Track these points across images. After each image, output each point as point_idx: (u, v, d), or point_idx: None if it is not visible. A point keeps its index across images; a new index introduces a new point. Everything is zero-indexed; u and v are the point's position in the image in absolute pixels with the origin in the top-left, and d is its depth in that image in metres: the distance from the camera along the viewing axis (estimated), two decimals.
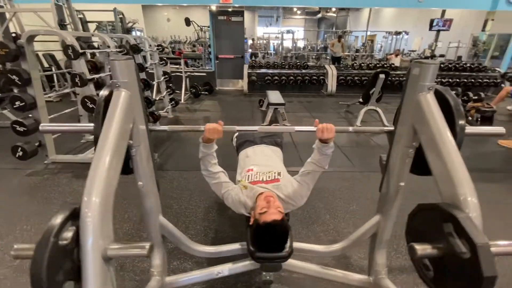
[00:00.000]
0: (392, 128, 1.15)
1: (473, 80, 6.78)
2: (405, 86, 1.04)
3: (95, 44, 3.58)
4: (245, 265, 1.39)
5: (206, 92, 6.66)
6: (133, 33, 9.45)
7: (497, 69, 7.05)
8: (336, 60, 8.68)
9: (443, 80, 6.71)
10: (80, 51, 2.43)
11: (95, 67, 3.42)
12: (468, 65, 6.92)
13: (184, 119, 4.74)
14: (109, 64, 0.95)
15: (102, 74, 3.31)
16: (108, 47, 3.03)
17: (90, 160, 0.80)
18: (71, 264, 0.71)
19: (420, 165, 1.09)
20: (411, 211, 0.90)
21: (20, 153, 2.52)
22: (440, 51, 12.22)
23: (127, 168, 1.07)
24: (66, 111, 3.20)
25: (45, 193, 2.36)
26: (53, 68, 5.94)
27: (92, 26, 7.54)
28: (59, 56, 5.76)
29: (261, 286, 1.50)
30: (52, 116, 2.88)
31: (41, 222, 1.97)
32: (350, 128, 1.18)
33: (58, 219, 0.69)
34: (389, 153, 1.16)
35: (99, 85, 3.60)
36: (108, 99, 0.94)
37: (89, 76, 2.58)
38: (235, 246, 1.41)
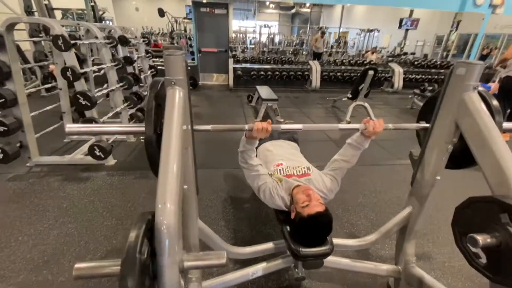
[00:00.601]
0: (427, 125, 1.20)
1: (442, 76, 7.34)
2: (446, 85, 1.09)
3: (76, 35, 3.27)
4: (277, 263, 1.39)
5: (190, 87, 6.44)
6: (104, 23, 8.81)
7: None
8: (317, 55, 8.86)
9: (416, 76, 7.17)
10: (72, 41, 2.21)
11: (78, 59, 3.14)
12: (439, 62, 7.46)
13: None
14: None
15: (87, 69, 3.06)
16: (96, 37, 2.79)
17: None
18: (148, 281, 0.66)
19: (452, 160, 1.17)
20: (460, 204, 0.95)
21: (0, 156, 2.25)
22: (408, 49, 13.05)
23: None
24: (48, 108, 2.90)
25: (35, 199, 2.14)
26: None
27: (57, 14, 6.91)
28: (25, 46, 5.18)
29: (293, 283, 1.51)
30: (33, 113, 2.59)
31: (38, 233, 1.78)
32: (390, 125, 1.21)
33: (137, 232, 0.64)
34: (423, 149, 1.22)
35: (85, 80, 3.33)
36: (158, 97, 0.87)
37: (81, 70, 2.35)
38: (269, 246, 1.40)
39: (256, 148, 1.91)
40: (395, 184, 2.55)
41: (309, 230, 1.16)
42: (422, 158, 1.23)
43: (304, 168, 1.46)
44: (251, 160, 1.31)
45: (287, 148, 1.76)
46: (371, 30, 13.28)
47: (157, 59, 6.30)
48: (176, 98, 0.85)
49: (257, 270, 1.37)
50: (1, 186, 2.30)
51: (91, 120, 2.45)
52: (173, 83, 0.85)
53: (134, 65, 3.55)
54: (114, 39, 3.03)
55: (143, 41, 4.02)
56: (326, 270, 1.57)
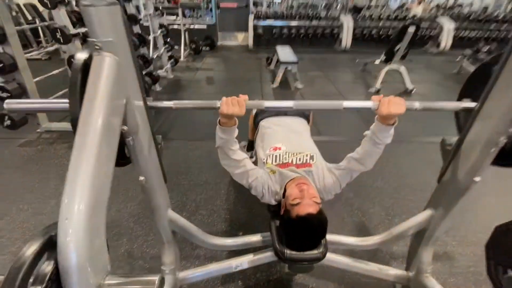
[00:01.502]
0: (472, 105, 0.86)
1: (504, 34, 6.08)
2: (510, 51, 0.72)
3: None
4: (266, 256, 1.22)
5: (208, 48, 6.08)
6: None
7: None
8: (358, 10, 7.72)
9: (471, 34, 6.02)
10: None
11: (81, 19, 2.95)
12: (502, 15, 6.14)
13: (186, 80, 4.34)
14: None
15: (82, 30, 2.86)
16: None
17: None
18: None
19: (504, 155, 0.84)
20: (503, 225, 0.67)
21: (8, 122, 2.25)
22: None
23: (122, 157, 0.82)
24: (54, 72, 2.84)
25: (41, 166, 2.17)
26: (36, 21, 5.30)
27: None
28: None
29: (283, 276, 1.37)
30: (38, 78, 2.53)
31: (38, 201, 1.80)
32: (417, 104, 0.87)
33: (29, 252, 0.48)
34: (463, 137, 0.89)
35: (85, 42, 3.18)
36: (88, 66, 0.65)
37: (73, 31, 2.17)
38: (256, 238, 1.24)
39: (256, 121, 1.69)
40: (423, 167, 2.20)
41: (297, 233, 0.96)
42: (459, 150, 0.91)
43: (306, 156, 1.20)
44: (234, 154, 1.03)
45: (292, 126, 1.49)
46: None
47: (174, 16, 5.94)
48: (104, 67, 0.62)
49: (242, 262, 1.22)
50: (13, 151, 2.35)
51: None
52: (97, 47, 0.62)
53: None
54: None
55: None
56: (323, 265, 1.41)
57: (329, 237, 1.21)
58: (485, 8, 9.64)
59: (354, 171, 1.10)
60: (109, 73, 0.62)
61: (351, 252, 1.33)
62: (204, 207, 1.78)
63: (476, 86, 0.93)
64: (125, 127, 0.73)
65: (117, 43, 0.64)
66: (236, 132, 1.00)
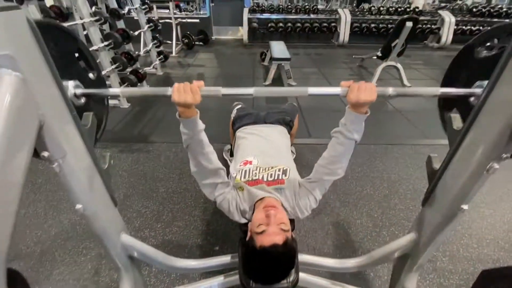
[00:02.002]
0: (453, 90, 0.74)
1: None
2: (506, 59, 0.60)
3: None
4: (236, 279, 1.12)
5: (201, 43, 5.91)
6: None
7: None
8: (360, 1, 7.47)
9: (472, 28, 5.82)
10: None
11: (60, 14, 2.81)
12: (505, 9, 5.92)
13: (176, 76, 4.20)
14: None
15: (71, 23, 2.73)
16: None
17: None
18: None
19: None
20: (490, 270, 0.57)
21: None
22: None
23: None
24: None
25: None
26: None
27: None
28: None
29: None
30: None
31: None
32: (390, 90, 0.76)
33: None
34: (450, 159, 0.77)
35: None
36: None
37: None
38: (225, 259, 1.12)
39: (234, 129, 1.58)
40: (414, 172, 2.09)
41: (260, 266, 0.85)
42: (446, 172, 0.80)
43: (279, 171, 1.10)
44: (204, 159, 0.93)
45: (269, 136, 1.37)
46: None
47: (166, 10, 5.75)
48: (0, 88, 0.50)
49: (212, 285, 1.13)
50: None
51: None
52: None
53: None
54: None
55: None
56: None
57: (305, 258, 1.11)
58: (489, 0, 9.39)
59: (326, 181, 0.99)
60: (5, 93, 0.50)
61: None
62: (181, 218, 1.68)
63: (460, 72, 0.87)
64: (45, 153, 0.62)
65: (19, 57, 0.52)
66: (200, 124, 0.88)
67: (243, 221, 1.06)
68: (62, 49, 0.72)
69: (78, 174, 0.71)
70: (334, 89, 0.81)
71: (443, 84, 0.92)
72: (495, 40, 0.78)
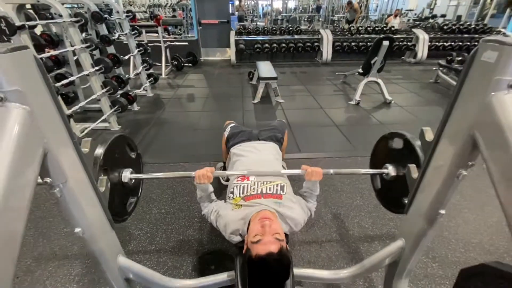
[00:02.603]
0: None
1: (476, 44, 6.35)
2: (463, 78, 0.69)
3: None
4: None
5: (190, 64, 6.06)
6: None
7: (502, 30, 6.58)
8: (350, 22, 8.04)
9: (445, 44, 6.25)
10: (18, 24, 1.91)
11: (51, 41, 2.87)
12: (473, 26, 6.42)
13: (166, 97, 4.26)
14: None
15: (62, 50, 2.79)
16: (60, 16, 2.46)
17: None
18: None
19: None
20: (468, 268, 0.62)
21: None
22: (439, 10, 11.46)
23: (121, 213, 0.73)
24: None
25: None
26: None
27: None
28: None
29: None
30: None
31: None
32: (331, 171, 1.21)
33: None
34: (425, 169, 0.85)
35: (59, 63, 3.09)
36: None
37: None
38: (222, 277, 1.14)
39: (228, 147, 1.63)
40: None
41: (257, 275, 0.88)
42: (422, 181, 0.87)
43: (277, 185, 1.17)
44: (211, 200, 1.24)
45: (264, 153, 1.44)
46: None
47: (155, 34, 5.92)
48: (9, 119, 0.54)
49: None
50: None
51: None
52: (1, 97, 0.54)
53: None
54: (83, 17, 2.68)
55: (127, 16, 3.63)
56: None
57: (299, 271, 1.14)
58: (459, 17, 10.13)
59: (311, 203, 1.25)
60: (14, 125, 0.54)
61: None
62: (175, 239, 1.68)
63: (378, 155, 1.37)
64: (48, 179, 0.66)
65: (27, 92, 0.57)
66: (211, 189, 1.20)
67: (238, 239, 1.09)
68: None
69: (78, 198, 0.74)
70: (297, 171, 1.19)
71: (371, 158, 1.44)
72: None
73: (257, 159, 1.38)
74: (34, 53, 0.61)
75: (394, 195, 1.15)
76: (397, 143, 1.18)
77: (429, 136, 0.84)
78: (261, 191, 1.14)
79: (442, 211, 0.82)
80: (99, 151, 0.93)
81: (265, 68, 4.18)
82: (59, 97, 2.37)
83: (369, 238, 1.68)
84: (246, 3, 14.06)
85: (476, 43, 6.33)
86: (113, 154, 1.00)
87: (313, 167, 1.18)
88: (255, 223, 0.99)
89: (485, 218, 1.82)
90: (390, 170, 1.14)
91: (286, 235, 1.15)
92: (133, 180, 1.11)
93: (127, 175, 1.07)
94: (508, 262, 1.50)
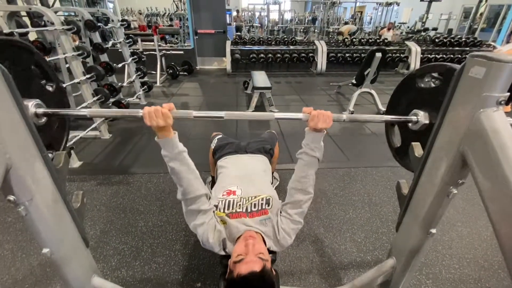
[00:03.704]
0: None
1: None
2: (451, 93, 0.67)
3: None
4: None
5: (185, 73, 6.06)
6: (105, 4, 8.42)
7: (492, 43, 6.74)
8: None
9: (436, 56, 6.37)
10: (6, 31, 1.88)
11: (43, 49, 2.84)
12: (463, 39, 6.57)
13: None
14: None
15: (53, 58, 2.75)
16: (52, 24, 2.44)
17: None
18: None
19: None
20: None
21: None
22: (431, 24, 11.78)
23: None
24: None
25: None
26: None
27: None
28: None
29: None
30: None
31: None
32: (344, 116, 0.92)
33: None
34: (414, 185, 0.82)
35: (55, 69, 3.05)
36: None
37: None
38: None
39: (215, 158, 1.59)
40: (394, 193, 2.09)
41: None
42: (412, 198, 0.84)
43: (262, 200, 1.12)
44: (189, 184, 0.94)
45: (251, 165, 1.40)
46: (390, 4, 12.04)
47: (151, 42, 5.94)
48: None
49: None
50: None
51: None
52: None
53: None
54: (75, 25, 2.66)
55: (121, 24, 3.63)
56: None
57: None
58: (450, 30, 10.41)
59: (301, 201, 1.04)
60: None
61: None
62: (161, 253, 1.61)
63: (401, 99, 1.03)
64: (11, 197, 0.61)
65: None
66: (179, 146, 0.92)
67: (223, 252, 1.04)
68: (19, 66, 0.70)
69: (46, 216, 0.69)
70: (297, 115, 0.93)
71: (389, 104, 1.11)
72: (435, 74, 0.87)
73: (243, 172, 1.34)
74: None
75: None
76: (428, 82, 0.88)
77: (419, 151, 0.81)
78: (246, 209, 1.09)
79: (433, 230, 0.79)
80: None
81: (260, 78, 4.19)
82: None
83: (361, 253, 1.63)
84: (243, 14, 14.30)
85: (466, 55, 6.47)
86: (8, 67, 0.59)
87: (321, 110, 0.91)
88: (239, 243, 0.95)
89: (479, 232, 1.79)
90: (421, 117, 0.84)
91: (273, 252, 1.10)
92: (43, 119, 0.73)
93: (29, 106, 0.67)
94: (503, 279, 1.47)
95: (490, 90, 0.57)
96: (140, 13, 12.87)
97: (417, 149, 0.82)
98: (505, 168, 0.53)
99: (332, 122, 0.90)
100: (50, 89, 0.83)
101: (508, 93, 0.58)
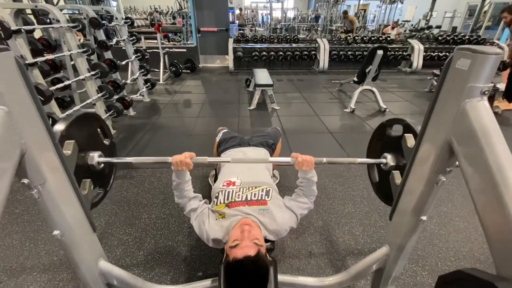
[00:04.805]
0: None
1: None
2: (440, 85, 0.70)
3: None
4: None
5: (188, 71, 6.11)
6: (108, 3, 8.49)
7: (496, 41, 6.70)
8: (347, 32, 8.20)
9: (440, 54, 6.35)
10: (14, 28, 1.93)
11: (48, 46, 2.89)
12: (467, 37, 6.54)
13: (163, 103, 4.28)
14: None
15: (59, 54, 2.80)
16: (58, 21, 2.49)
17: None
18: None
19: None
20: (447, 274, 0.62)
21: None
22: (435, 22, 11.69)
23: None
24: None
25: None
26: None
27: None
28: None
29: None
30: None
31: None
32: (324, 160, 1.08)
33: None
34: (407, 175, 0.85)
35: (56, 67, 3.10)
36: None
37: (31, 60, 2.09)
38: (206, 283, 1.13)
39: (219, 151, 1.64)
40: None
41: (232, 279, 0.87)
42: (404, 187, 0.87)
43: (262, 191, 1.16)
44: (188, 193, 1.14)
45: (252, 157, 1.45)
46: (394, 1, 11.96)
47: (154, 40, 6.00)
48: None
49: None
50: None
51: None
52: None
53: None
54: (80, 22, 2.72)
55: (125, 22, 3.68)
56: None
57: (284, 278, 1.13)
58: (454, 28, 10.32)
59: (304, 204, 1.16)
60: None
61: None
62: (164, 244, 1.66)
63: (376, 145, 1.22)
64: (25, 180, 0.66)
65: (5, 93, 0.57)
66: (188, 177, 1.11)
67: (219, 247, 1.10)
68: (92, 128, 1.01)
69: (57, 200, 0.73)
70: (287, 159, 1.11)
71: (368, 147, 1.34)
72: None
73: (245, 164, 1.38)
74: (16, 54, 0.61)
75: None
76: (396, 131, 1.07)
77: (411, 142, 0.84)
78: (245, 197, 1.13)
79: (424, 217, 0.82)
80: (64, 123, 0.84)
81: (262, 75, 4.22)
82: (54, 101, 2.37)
83: (359, 246, 1.67)
84: (246, 12, 14.31)
85: None
86: (82, 130, 0.89)
87: (304, 155, 1.09)
88: (235, 229, 0.99)
89: (476, 226, 1.81)
90: (389, 159, 1.03)
91: (271, 241, 1.15)
92: (102, 165, 0.97)
93: (94, 156, 0.93)
94: None
95: (475, 81, 0.60)
96: (157, 11, 12.87)
97: (409, 140, 0.86)
98: (487, 154, 0.56)
99: (314, 165, 1.08)
100: (106, 143, 1.08)
101: (492, 84, 0.61)
